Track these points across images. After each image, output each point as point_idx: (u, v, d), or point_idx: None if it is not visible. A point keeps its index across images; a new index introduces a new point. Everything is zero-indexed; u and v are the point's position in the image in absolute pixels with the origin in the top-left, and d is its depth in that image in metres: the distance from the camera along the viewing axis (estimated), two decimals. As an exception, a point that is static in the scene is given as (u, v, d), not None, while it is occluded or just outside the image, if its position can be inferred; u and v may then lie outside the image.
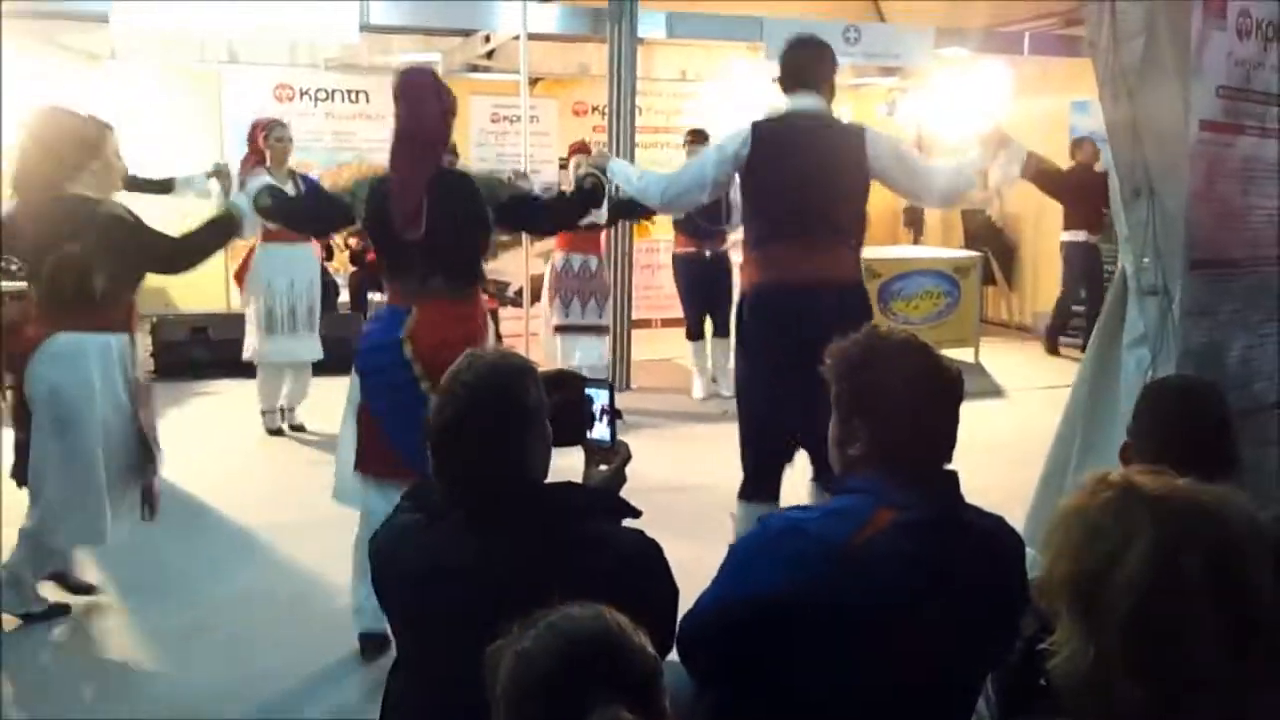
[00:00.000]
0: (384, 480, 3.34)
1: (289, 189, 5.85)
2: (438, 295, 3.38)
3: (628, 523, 1.87)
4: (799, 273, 3.54)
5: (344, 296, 8.71)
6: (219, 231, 3.76)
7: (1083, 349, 4.12)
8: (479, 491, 1.79)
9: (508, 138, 9.38)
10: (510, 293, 8.57)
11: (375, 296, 8.04)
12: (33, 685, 3.42)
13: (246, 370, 6.47)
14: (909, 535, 1.73)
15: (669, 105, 10.56)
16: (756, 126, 3.67)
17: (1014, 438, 3.76)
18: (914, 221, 11.48)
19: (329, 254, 8.37)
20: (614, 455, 2.09)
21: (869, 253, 8.20)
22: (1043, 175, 3.73)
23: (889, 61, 9.25)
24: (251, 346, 6.21)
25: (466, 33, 9.04)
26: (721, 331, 7.18)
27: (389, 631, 2.18)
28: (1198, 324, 2.87)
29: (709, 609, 1.85)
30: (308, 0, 7.43)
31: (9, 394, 3.65)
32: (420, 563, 1.80)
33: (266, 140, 5.92)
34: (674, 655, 1.84)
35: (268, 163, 5.88)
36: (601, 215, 5.79)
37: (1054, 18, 9.25)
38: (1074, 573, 1.21)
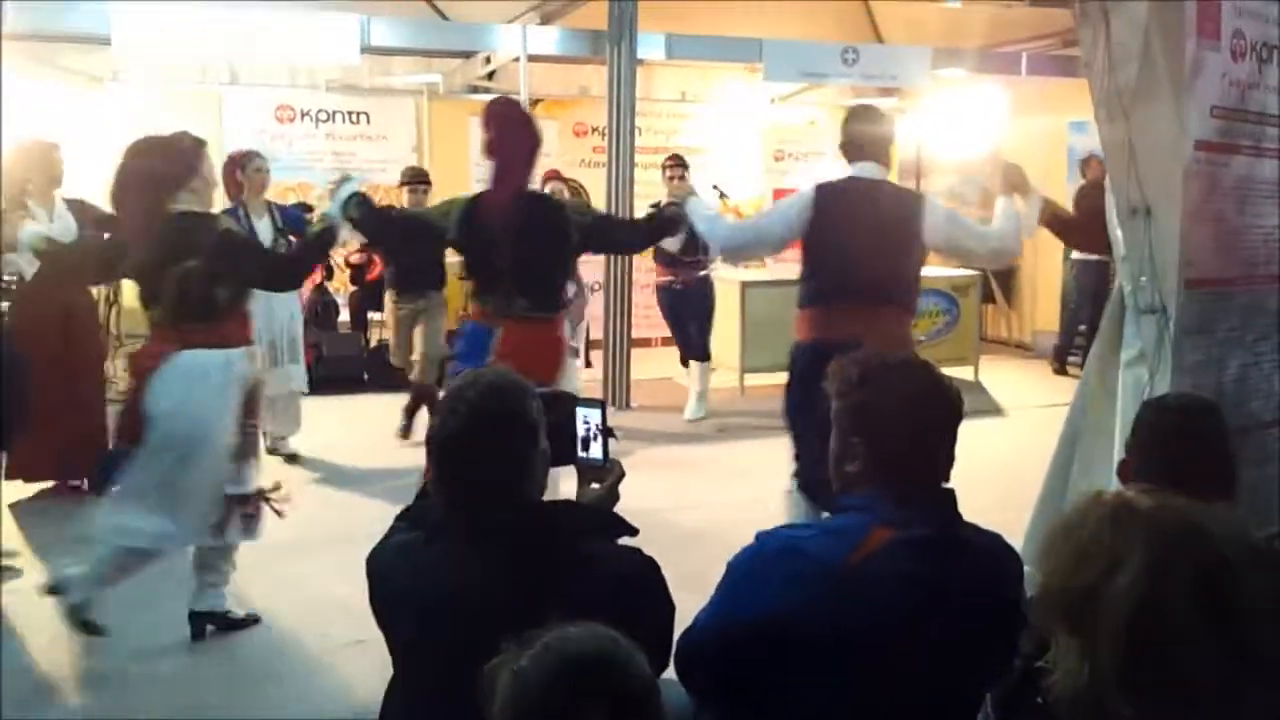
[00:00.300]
0: None
1: (264, 220, 5.89)
2: (523, 316, 3.53)
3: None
4: (847, 332, 3.57)
5: (344, 315, 8.72)
6: (321, 246, 3.86)
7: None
8: (479, 509, 1.79)
9: (508, 158, 9.42)
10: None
11: (375, 315, 8.06)
12: (33, 685, 3.44)
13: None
14: (906, 554, 1.73)
15: (668, 126, 10.61)
16: (819, 190, 3.87)
17: (1013, 456, 3.78)
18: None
19: (329, 274, 8.38)
20: (607, 474, 2.10)
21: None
22: (1056, 220, 3.87)
23: (887, 82, 9.30)
24: None
25: (467, 54, 9.09)
26: (700, 355, 7.38)
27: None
28: (1194, 342, 2.88)
29: (707, 627, 1.85)
30: (309, 22, 7.48)
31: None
32: (418, 581, 1.81)
33: (244, 172, 5.90)
34: (671, 673, 1.84)
35: (244, 194, 5.88)
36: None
37: (1052, 38, 9.30)
38: (1067, 590, 1.22)
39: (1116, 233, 3.01)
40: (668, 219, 3.97)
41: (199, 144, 3.74)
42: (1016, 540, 2.14)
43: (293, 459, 6.27)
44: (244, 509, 3.68)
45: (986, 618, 1.79)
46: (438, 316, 6.72)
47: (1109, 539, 1.20)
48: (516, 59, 8.07)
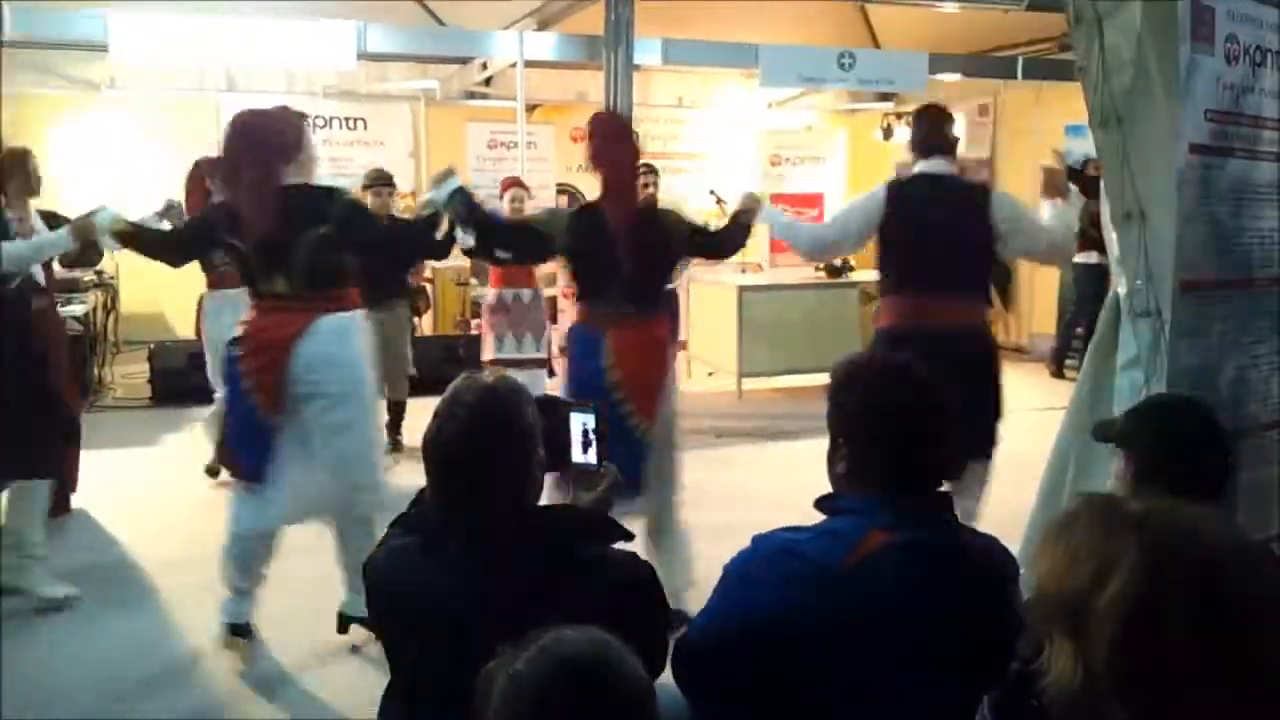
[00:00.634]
0: None
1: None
2: (629, 318, 3.71)
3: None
4: (923, 319, 3.87)
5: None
6: (427, 227, 3.91)
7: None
8: (476, 513, 1.79)
9: (505, 164, 9.39)
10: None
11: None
12: (33, 686, 3.44)
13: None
14: (902, 557, 1.74)
15: (665, 131, 10.63)
16: (890, 187, 4.14)
17: (1011, 459, 3.80)
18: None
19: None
20: (601, 478, 2.10)
21: (862, 275, 8.26)
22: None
23: (884, 87, 9.32)
24: (216, 396, 5.93)
25: (464, 60, 9.10)
26: None
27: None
28: (1190, 345, 2.89)
29: (704, 630, 1.85)
30: (305, 28, 7.49)
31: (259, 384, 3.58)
32: (416, 586, 1.81)
33: (213, 180, 5.82)
34: (667, 676, 1.84)
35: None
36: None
37: (1048, 42, 9.32)
38: (1061, 593, 1.22)
39: (1111, 236, 3.02)
40: (744, 226, 4.14)
41: (301, 117, 3.81)
42: (1013, 543, 2.14)
43: None
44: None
45: (982, 621, 1.79)
46: (406, 329, 6.66)
47: (1101, 542, 1.20)
48: (513, 64, 8.09)
